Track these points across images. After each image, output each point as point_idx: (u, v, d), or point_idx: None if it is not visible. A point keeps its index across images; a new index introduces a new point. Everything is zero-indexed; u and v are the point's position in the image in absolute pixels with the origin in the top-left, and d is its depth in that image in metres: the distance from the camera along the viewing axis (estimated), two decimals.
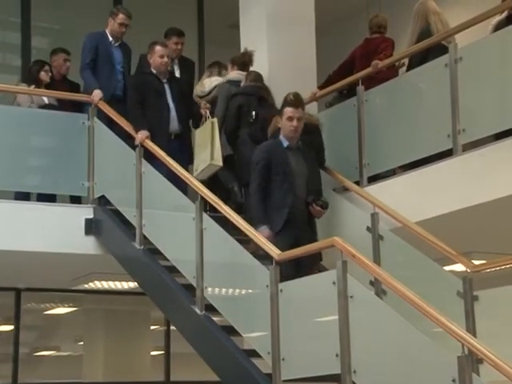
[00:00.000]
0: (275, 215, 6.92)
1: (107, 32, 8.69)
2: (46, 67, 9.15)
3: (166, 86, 8.20)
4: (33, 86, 8.94)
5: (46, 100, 8.98)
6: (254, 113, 8.27)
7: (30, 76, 9.22)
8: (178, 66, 8.93)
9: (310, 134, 7.68)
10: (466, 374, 4.74)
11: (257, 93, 8.44)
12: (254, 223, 6.74)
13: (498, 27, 7.37)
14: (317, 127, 8.01)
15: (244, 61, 8.90)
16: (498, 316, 6.13)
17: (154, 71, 8.19)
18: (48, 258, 8.26)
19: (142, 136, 7.74)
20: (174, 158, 7.46)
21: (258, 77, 8.64)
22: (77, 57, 9.08)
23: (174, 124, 8.20)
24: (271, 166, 7.02)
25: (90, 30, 9.27)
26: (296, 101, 7.14)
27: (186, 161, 8.15)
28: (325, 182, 7.86)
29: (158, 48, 8.06)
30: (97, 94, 8.31)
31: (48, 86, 9.12)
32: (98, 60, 8.54)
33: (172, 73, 8.38)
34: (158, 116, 8.14)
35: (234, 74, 8.80)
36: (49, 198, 8.53)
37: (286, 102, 7.18)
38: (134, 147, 7.86)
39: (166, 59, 8.09)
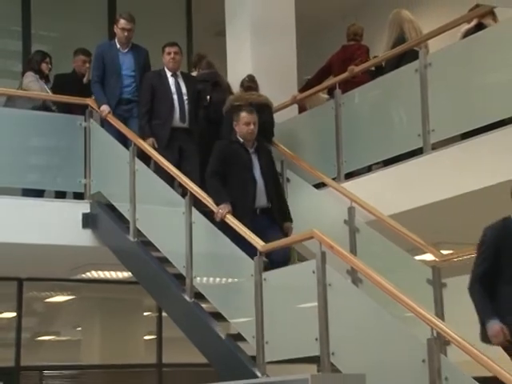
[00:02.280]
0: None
1: (116, 40, 8.51)
2: (47, 59, 9.03)
3: (254, 157, 7.01)
4: (37, 76, 8.86)
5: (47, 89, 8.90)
6: (208, 97, 8.43)
7: (30, 65, 9.10)
8: (183, 81, 8.34)
9: (260, 112, 7.80)
10: (435, 355, 4.78)
11: (211, 79, 8.65)
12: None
13: (467, 35, 7.39)
14: (266, 106, 8.28)
15: (195, 61, 9.26)
16: (465, 301, 6.15)
17: (241, 140, 7.00)
18: (48, 250, 8.27)
19: (223, 211, 6.55)
20: (262, 236, 6.28)
21: (209, 64, 8.88)
22: None
23: (262, 198, 6.89)
24: None
25: (87, 37, 9.29)
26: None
27: (277, 236, 6.57)
28: (304, 177, 7.89)
29: (243, 114, 6.98)
30: (104, 109, 8.17)
31: (73, 83, 9.11)
32: (106, 69, 8.37)
33: (260, 141, 7.16)
34: (243, 189, 6.83)
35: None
36: (37, 194, 8.53)
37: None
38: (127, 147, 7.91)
39: (252, 126, 6.93)
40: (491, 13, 7.36)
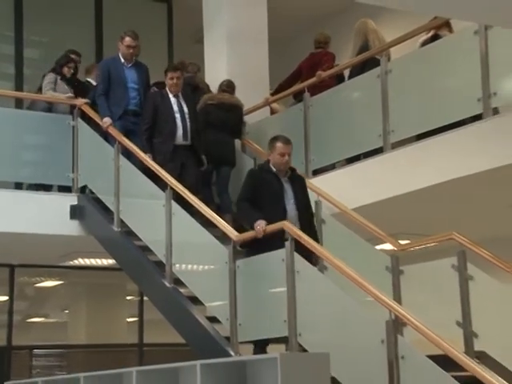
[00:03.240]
0: None
1: (119, 55, 8.34)
2: (71, 64, 8.89)
3: (287, 186, 6.35)
4: (59, 77, 8.77)
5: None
6: None
7: (54, 66, 8.95)
8: (184, 100, 8.12)
9: (231, 112, 8.02)
10: (393, 335, 4.80)
11: (193, 82, 8.74)
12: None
13: (424, 44, 7.45)
14: (237, 106, 8.40)
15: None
16: (420, 286, 6.22)
17: (274, 169, 6.35)
18: (38, 239, 8.24)
19: (261, 225, 5.92)
20: None
21: (197, 68, 9.06)
22: None
23: None
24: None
25: (75, 42, 9.20)
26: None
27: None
28: None
29: (279, 144, 6.35)
30: (106, 121, 7.99)
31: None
32: (112, 82, 8.21)
33: (294, 171, 6.52)
34: (272, 218, 6.02)
35: None
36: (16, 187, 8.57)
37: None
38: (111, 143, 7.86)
39: (287, 158, 6.31)
40: (447, 24, 7.42)
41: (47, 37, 11.67)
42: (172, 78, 7.97)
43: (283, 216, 6.06)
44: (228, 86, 8.62)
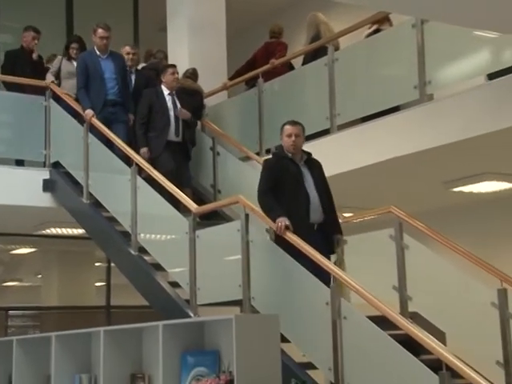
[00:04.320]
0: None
1: (95, 48, 8.06)
2: (73, 45, 8.66)
3: (305, 171, 5.76)
4: (65, 57, 8.63)
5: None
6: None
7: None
8: (178, 98, 7.91)
9: (192, 96, 7.91)
10: (336, 298, 4.86)
11: (158, 68, 8.54)
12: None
13: (368, 37, 7.48)
14: (198, 92, 8.34)
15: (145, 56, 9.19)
16: (362, 255, 6.26)
17: (289, 154, 5.78)
18: (14, 210, 8.17)
19: (282, 223, 5.32)
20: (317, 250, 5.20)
21: (164, 54, 8.98)
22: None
23: (317, 214, 5.66)
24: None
25: (48, 28, 9.05)
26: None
27: (328, 251, 5.62)
28: (232, 152, 7.90)
29: (286, 126, 5.82)
30: (88, 113, 7.69)
31: (23, 58, 8.81)
32: (90, 75, 7.94)
33: (310, 154, 5.90)
34: (296, 204, 5.59)
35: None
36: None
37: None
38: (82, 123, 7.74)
39: (293, 138, 5.73)
40: (388, 19, 7.46)
41: (22, 23, 11.47)
42: (173, 73, 7.81)
43: (307, 202, 5.57)
44: (192, 74, 8.65)
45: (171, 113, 7.72)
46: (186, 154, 7.90)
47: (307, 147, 7.43)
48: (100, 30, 8.04)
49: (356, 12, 7.31)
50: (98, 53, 8.05)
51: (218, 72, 9.12)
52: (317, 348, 5.08)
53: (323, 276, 5.00)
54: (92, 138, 7.69)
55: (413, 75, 6.35)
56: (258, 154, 7.90)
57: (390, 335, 4.60)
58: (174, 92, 7.82)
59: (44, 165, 8.32)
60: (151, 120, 7.69)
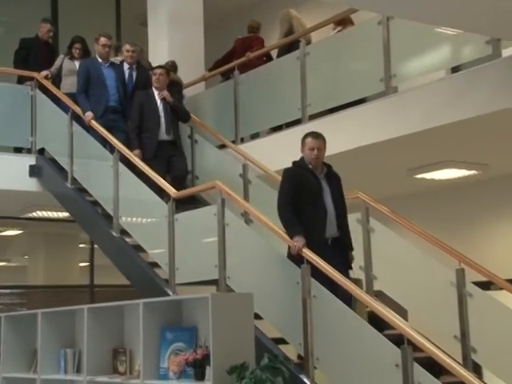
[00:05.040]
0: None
1: (97, 56, 7.90)
2: (76, 45, 8.52)
3: (324, 183, 5.43)
4: (68, 56, 8.49)
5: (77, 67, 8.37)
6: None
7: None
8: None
9: (172, 87, 7.75)
10: (307, 277, 4.84)
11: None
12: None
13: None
14: (177, 83, 8.18)
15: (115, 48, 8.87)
16: None
17: (310, 165, 5.44)
18: (1, 194, 8.11)
19: (298, 245, 4.94)
20: (331, 265, 4.86)
21: (137, 47, 8.53)
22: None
23: (332, 228, 5.32)
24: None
25: (33, 22, 8.92)
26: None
27: (344, 265, 5.30)
28: (209, 140, 7.88)
29: (308, 139, 5.46)
30: (88, 115, 7.48)
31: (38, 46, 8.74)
32: (91, 81, 7.75)
33: (330, 167, 5.56)
34: (313, 217, 5.27)
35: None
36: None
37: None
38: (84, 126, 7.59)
39: (316, 152, 5.38)
40: (351, 22, 7.52)
41: (7, 16, 11.35)
42: (155, 74, 7.57)
43: (324, 215, 5.26)
44: (172, 66, 8.55)
45: (162, 114, 7.45)
46: (180, 151, 7.58)
47: (280, 136, 7.49)
48: (103, 39, 7.88)
49: (326, 8, 7.34)
50: (100, 60, 7.86)
51: (196, 64, 9.10)
52: (288, 324, 5.10)
53: (338, 292, 4.74)
54: (76, 126, 7.65)
55: (379, 69, 6.37)
56: (233, 142, 7.91)
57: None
58: (164, 92, 7.55)
59: (30, 151, 8.27)
60: (143, 122, 7.44)
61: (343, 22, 7.55)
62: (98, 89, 7.73)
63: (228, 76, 8.52)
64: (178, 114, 7.57)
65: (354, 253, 5.51)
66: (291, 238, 5.01)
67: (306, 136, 5.50)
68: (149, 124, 7.40)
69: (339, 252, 5.30)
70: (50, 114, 8.20)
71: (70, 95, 7.96)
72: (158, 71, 7.58)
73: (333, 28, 7.65)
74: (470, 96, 5.67)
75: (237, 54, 8.81)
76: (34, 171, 8.12)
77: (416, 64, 6.41)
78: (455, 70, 6.19)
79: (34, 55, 8.69)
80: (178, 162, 7.45)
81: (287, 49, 7.89)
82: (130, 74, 8.04)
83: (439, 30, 5.87)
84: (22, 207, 9.08)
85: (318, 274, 4.80)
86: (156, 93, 7.54)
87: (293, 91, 7.34)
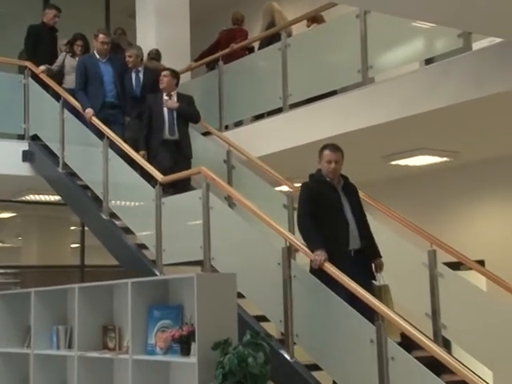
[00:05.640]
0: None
1: (95, 52, 7.66)
2: (78, 42, 8.39)
3: (342, 196, 5.10)
4: (69, 53, 8.36)
5: None
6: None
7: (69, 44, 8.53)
8: (176, 99, 7.36)
9: (157, 76, 7.58)
10: (287, 259, 4.89)
11: (112, 41, 8.25)
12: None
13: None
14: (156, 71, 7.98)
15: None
16: None
17: (328, 178, 5.12)
18: None
19: (319, 259, 4.66)
20: (354, 278, 4.56)
21: (116, 30, 8.81)
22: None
23: (355, 240, 4.99)
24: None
25: (26, 14, 8.81)
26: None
27: (366, 276, 4.97)
28: (194, 127, 7.84)
29: (326, 152, 5.12)
30: (88, 112, 7.25)
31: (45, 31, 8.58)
32: (89, 77, 7.54)
33: (347, 179, 5.23)
34: (335, 232, 4.93)
35: None
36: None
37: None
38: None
39: (333, 165, 5.07)
40: (323, 20, 7.57)
41: (2, 7, 11.20)
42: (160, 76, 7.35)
43: (346, 228, 4.93)
44: (156, 55, 8.49)
45: (166, 115, 7.13)
46: (184, 151, 7.18)
47: (263, 124, 7.47)
48: (101, 36, 7.66)
49: (307, 1, 7.31)
50: (97, 56, 7.66)
51: (183, 55, 9.03)
52: (269, 303, 5.11)
53: (360, 306, 4.43)
54: (67, 114, 7.58)
55: (356, 60, 6.36)
56: (218, 129, 7.88)
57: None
58: (173, 94, 7.33)
59: (23, 137, 8.19)
60: (151, 122, 7.18)
61: (315, 19, 7.60)
62: (96, 84, 7.53)
63: (213, 66, 8.48)
64: (185, 117, 7.30)
65: None
66: (312, 251, 4.73)
67: (323, 148, 5.16)
68: (154, 124, 7.17)
69: (362, 263, 4.94)
70: (43, 102, 8.12)
71: (72, 91, 7.82)
72: (163, 73, 7.38)
73: (307, 25, 7.66)
74: (443, 87, 5.68)
75: (222, 46, 8.76)
76: (26, 156, 8.04)
77: (392, 56, 6.41)
78: (429, 61, 6.21)
79: (42, 43, 8.54)
80: (178, 167, 6.92)
81: (268, 41, 7.86)
82: (137, 78, 7.84)
83: (414, 23, 5.87)
84: (15, 191, 9.02)
85: (339, 287, 4.51)
86: (164, 93, 7.30)
87: (274, 81, 7.31)
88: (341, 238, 4.90)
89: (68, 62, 8.38)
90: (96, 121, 7.17)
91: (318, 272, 4.65)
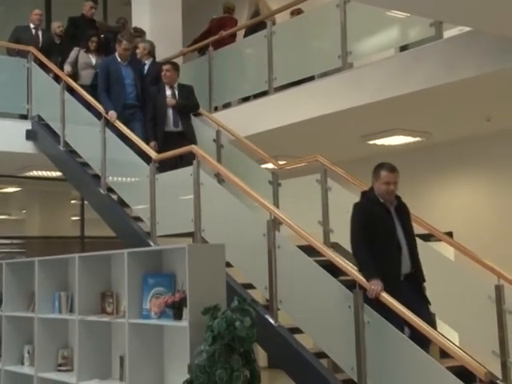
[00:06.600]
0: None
1: (117, 55, 7.35)
2: (93, 38, 8.20)
3: (396, 219, 4.65)
4: (83, 49, 8.17)
5: (93, 61, 8.16)
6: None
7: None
8: (178, 91, 7.23)
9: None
10: (272, 230, 4.90)
11: (116, 28, 8.35)
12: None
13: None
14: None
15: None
16: (293, 195, 6.30)
17: (381, 199, 4.67)
18: (1, 155, 7.99)
19: (376, 288, 4.23)
20: (411, 309, 4.14)
21: (119, 19, 8.70)
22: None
23: (406, 264, 4.59)
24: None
25: (26, 11, 8.74)
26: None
27: (418, 301, 4.52)
28: None
29: (384, 173, 4.61)
30: (111, 114, 6.91)
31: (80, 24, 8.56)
32: (111, 80, 7.28)
33: (399, 198, 4.77)
34: (388, 257, 4.52)
35: None
36: None
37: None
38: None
39: (392, 187, 4.62)
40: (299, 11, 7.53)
41: (2, 5, 11.05)
42: (162, 70, 7.22)
43: (399, 253, 4.53)
44: (140, 31, 8.42)
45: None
46: (188, 142, 6.75)
47: (249, 106, 7.43)
48: (125, 43, 7.33)
49: None
50: (119, 60, 7.38)
51: (175, 41, 8.96)
52: (255, 272, 5.11)
53: (415, 334, 4.10)
54: (67, 95, 7.51)
55: (336, 47, 6.33)
56: (208, 110, 7.83)
57: (315, 261, 4.67)
58: (175, 86, 7.21)
59: (27, 117, 8.12)
60: (155, 114, 7.08)
61: (296, 12, 7.57)
62: (117, 87, 7.27)
63: (204, 52, 8.39)
64: (185, 110, 7.17)
65: (313, 208, 5.48)
66: (367, 280, 4.28)
67: (380, 168, 4.64)
68: (158, 116, 7.04)
69: (412, 288, 4.52)
70: (45, 84, 8.03)
71: (85, 87, 7.68)
72: (165, 67, 7.22)
73: (290, 17, 7.61)
74: (416, 72, 5.67)
75: (212, 33, 8.68)
76: (30, 135, 7.98)
77: (369, 43, 6.38)
78: (403, 48, 6.19)
79: (81, 30, 8.44)
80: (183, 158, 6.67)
81: (253, 29, 7.80)
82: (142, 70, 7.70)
83: (390, 13, 5.84)
84: (19, 167, 8.96)
85: (392, 314, 4.13)
86: (167, 86, 7.16)
87: (261, 66, 7.27)
88: (393, 262, 4.50)
89: (82, 57, 8.18)
90: (119, 124, 6.88)
91: (374, 301, 4.23)
